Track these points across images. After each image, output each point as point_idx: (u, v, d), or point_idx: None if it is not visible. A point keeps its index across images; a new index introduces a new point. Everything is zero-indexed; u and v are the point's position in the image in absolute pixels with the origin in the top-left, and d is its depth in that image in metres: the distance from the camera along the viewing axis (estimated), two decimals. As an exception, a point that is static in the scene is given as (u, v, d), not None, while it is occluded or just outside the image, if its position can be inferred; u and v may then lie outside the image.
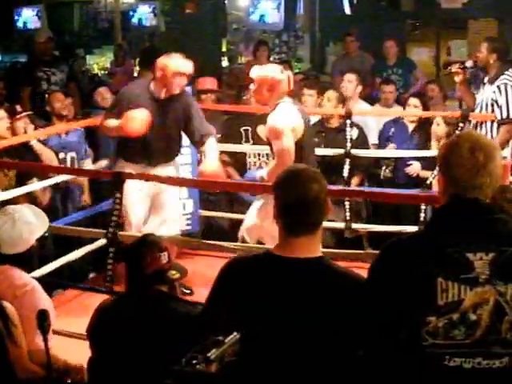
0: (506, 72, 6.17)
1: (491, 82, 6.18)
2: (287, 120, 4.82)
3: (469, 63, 6.48)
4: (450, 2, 10.26)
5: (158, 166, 5.50)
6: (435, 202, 5.35)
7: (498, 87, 6.10)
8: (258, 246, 4.92)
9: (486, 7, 10.05)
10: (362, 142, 6.62)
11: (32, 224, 3.68)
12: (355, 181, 6.58)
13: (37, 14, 12.75)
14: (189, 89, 6.55)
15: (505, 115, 6.06)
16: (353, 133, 6.52)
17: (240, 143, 6.73)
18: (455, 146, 2.36)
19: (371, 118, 7.10)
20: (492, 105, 6.13)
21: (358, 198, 6.28)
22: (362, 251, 5.51)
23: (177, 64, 5.32)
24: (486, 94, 6.23)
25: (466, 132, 4.78)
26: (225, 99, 7.79)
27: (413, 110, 6.72)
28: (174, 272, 3.35)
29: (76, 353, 3.72)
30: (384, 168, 6.93)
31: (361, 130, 6.67)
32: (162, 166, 5.51)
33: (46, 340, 2.71)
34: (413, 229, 5.37)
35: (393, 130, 6.90)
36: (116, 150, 5.79)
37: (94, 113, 6.89)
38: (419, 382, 2.30)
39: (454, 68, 6.49)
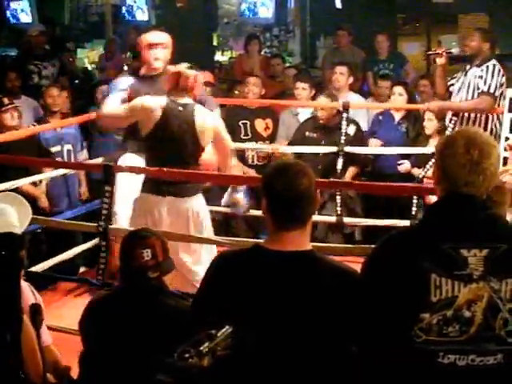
0: (494, 59, 6.26)
1: (478, 65, 6.25)
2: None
3: (455, 50, 6.57)
4: (441, -4, 10.29)
5: None
6: (424, 194, 5.38)
7: (487, 66, 6.19)
8: (249, 240, 4.69)
9: (476, 2, 10.06)
10: (359, 138, 6.57)
11: (11, 224, 3.61)
12: (351, 173, 6.51)
13: (23, 9, 12.65)
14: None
15: (485, 88, 6.11)
16: (350, 129, 6.51)
17: (239, 137, 6.76)
18: (451, 142, 2.37)
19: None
20: (478, 84, 6.17)
21: (349, 189, 6.25)
22: (355, 245, 5.48)
23: (148, 36, 5.31)
24: (469, 77, 6.28)
25: (464, 128, 4.80)
26: (217, 93, 7.77)
27: (398, 98, 6.77)
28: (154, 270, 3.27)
29: (67, 347, 3.73)
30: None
31: (358, 126, 6.63)
32: None
33: (38, 335, 2.70)
34: (405, 223, 5.37)
35: (380, 117, 6.95)
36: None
37: (91, 110, 6.76)
38: (413, 379, 2.30)
39: (440, 50, 6.60)
